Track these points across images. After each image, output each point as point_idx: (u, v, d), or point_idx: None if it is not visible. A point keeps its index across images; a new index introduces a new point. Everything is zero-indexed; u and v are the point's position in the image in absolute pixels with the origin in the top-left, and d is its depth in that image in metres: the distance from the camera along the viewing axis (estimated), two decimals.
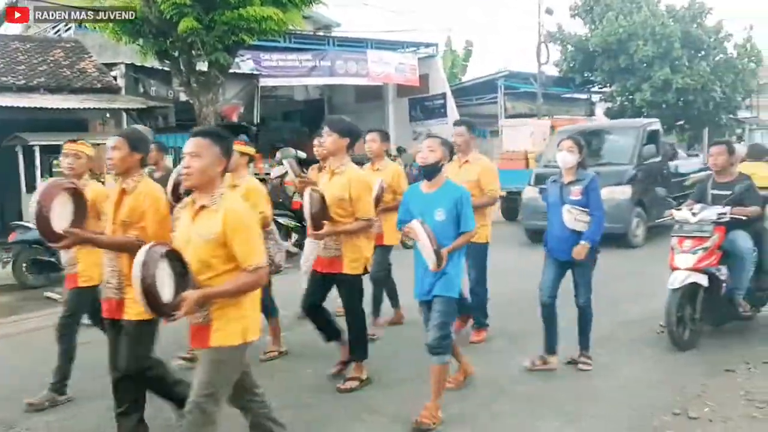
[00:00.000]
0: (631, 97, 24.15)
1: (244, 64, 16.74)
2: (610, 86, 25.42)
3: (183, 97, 13.79)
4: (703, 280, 5.29)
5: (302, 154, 12.53)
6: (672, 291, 5.25)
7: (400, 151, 19.40)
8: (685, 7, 24.65)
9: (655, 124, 12.31)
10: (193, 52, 11.34)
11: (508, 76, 24.11)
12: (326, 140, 4.64)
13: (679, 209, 5.68)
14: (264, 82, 17.74)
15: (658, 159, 11.57)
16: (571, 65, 25.40)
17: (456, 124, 5.82)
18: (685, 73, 23.14)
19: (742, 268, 5.43)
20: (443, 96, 22.06)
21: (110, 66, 14.85)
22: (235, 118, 16.55)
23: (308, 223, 4.57)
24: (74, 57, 14.77)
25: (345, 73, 19.69)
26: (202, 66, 11.73)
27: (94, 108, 13.00)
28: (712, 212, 5.33)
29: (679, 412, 4.07)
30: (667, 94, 23.27)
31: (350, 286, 4.67)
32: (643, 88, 23.41)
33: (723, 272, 5.39)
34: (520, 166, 13.20)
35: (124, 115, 13.93)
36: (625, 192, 10.39)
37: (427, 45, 22.40)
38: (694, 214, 5.40)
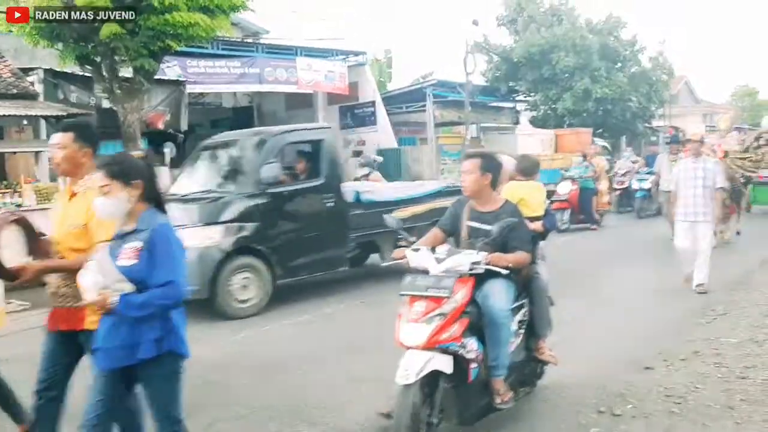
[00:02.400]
0: (554, 105, 25.23)
1: (170, 70, 16.34)
2: (534, 95, 26.41)
3: (106, 104, 13.35)
4: (447, 365, 3.46)
5: (379, 158, 12.99)
6: (403, 389, 3.32)
7: None
8: (602, 20, 25.94)
9: (316, 133, 8.74)
10: (117, 57, 10.99)
11: (436, 84, 24.52)
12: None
13: (416, 249, 3.78)
14: (191, 88, 17.39)
15: (319, 182, 8.21)
16: (497, 75, 26.26)
17: (62, 128, 3.52)
18: (604, 84, 24.34)
19: (496, 337, 3.72)
20: (373, 104, 22.24)
21: (27, 71, 14.21)
22: (161, 126, 16.15)
23: None
24: None
25: (274, 81, 19.55)
26: (126, 72, 11.39)
27: (10, 115, 12.42)
28: (465, 260, 3.63)
29: (604, 410, 4.23)
30: (587, 103, 24.41)
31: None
32: (564, 98, 24.51)
33: (470, 347, 3.58)
34: None
35: (43, 122, 13.37)
36: (212, 236, 7.10)
37: (356, 53, 22.53)
38: (439, 261, 3.64)
